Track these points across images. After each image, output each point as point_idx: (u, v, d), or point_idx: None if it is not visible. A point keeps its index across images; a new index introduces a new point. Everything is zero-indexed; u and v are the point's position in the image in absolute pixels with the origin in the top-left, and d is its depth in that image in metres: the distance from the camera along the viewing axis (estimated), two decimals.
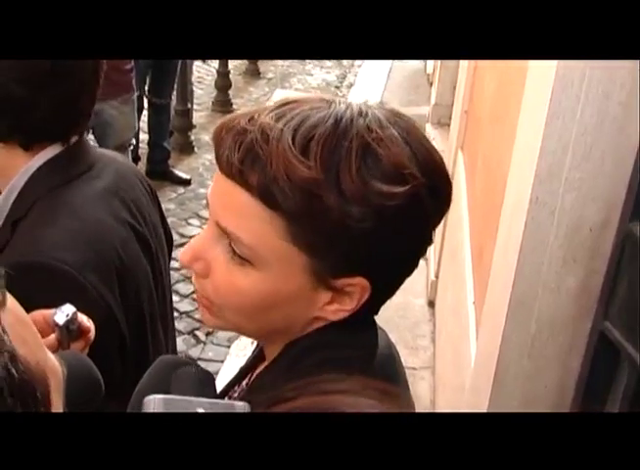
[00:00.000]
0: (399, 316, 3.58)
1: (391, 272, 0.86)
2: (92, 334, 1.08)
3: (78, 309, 1.07)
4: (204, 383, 0.81)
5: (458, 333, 2.69)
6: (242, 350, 3.43)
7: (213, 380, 0.83)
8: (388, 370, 0.93)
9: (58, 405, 0.51)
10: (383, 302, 0.92)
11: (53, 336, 1.04)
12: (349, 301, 0.85)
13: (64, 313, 1.04)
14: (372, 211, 0.78)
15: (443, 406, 2.86)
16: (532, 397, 1.68)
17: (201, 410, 0.55)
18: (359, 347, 0.90)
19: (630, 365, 1.47)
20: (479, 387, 1.90)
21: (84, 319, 1.07)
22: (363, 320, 0.92)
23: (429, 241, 0.88)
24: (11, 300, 0.48)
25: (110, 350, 1.21)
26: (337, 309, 0.86)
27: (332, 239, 0.79)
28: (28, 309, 1.11)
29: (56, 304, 1.06)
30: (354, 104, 0.84)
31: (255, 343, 1.07)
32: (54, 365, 0.52)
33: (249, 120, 0.80)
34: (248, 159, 0.78)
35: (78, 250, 1.18)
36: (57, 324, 1.03)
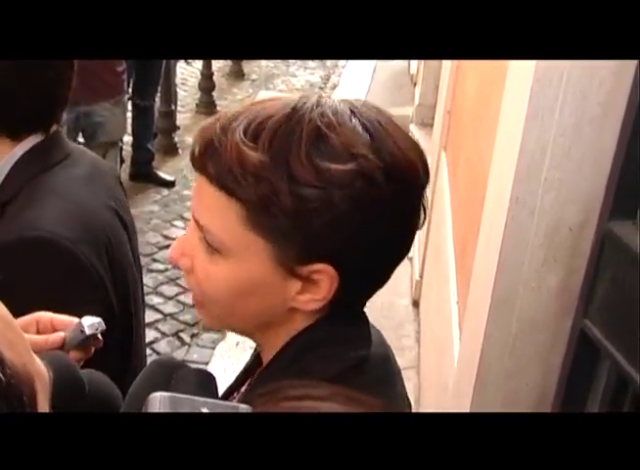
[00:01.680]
0: (384, 317, 3.58)
1: (360, 259, 0.85)
2: (92, 350, 1.09)
3: (72, 280, 1.12)
4: (205, 383, 0.81)
5: (442, 332, 2.70)
6: (226, 351, 3.42)
7: (215, 380, 0.83)
8: (382, 369, 0.93)
9: (44, 408, 0.51)
10: (364, 292, 0.92)
11: (61, 335, 1.04)
12: (319, 290, 0.85)
13: (94, 326, 1.04)
14: (323, 191, 0.79)
15: (428, 405, 2.86)
16: (514, 395, 1.69)
17: (205, 409, 0.56)
18: (353, 345, 0.90)
19: (610, 363, 1.48)
20: (462, 386, 1.91)
21: (100, 339, 1.07)
22: (354, 317, 0.93)
23: (404, 230, 0.88)
24: None
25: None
26: (309, 299, 0.87)
27: (289, 224, 0.81)
28: (28, 283, 1.15)
29: (52, 276, 1.15)
30: (315, 97, 0.85)
31: (240, 344, 1.08)
32: (40, 368, 0.52)
33: (216, 119, 0.84)
34: (207, 151, 0.82)
35: (70, 226, 1.23)
36: (82, 330, 1.03)
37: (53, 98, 1.30)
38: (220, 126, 0.82)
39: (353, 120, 0.83)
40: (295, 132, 0.80)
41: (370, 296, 0.94)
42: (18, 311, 1.13)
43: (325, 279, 0.84)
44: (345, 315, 0.91)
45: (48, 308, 1.10)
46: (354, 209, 0.81)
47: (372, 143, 0.82)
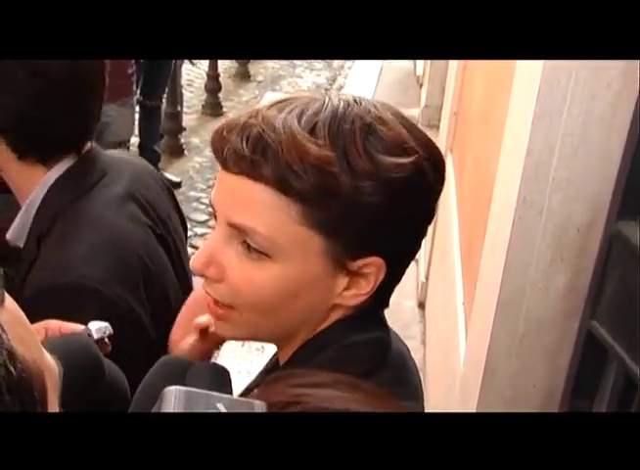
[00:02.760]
0: (390, 318, 3.56)
1: (404, 249, 0.88)
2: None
3: (109, 321, 1.07)
4: (220, 379, 0.81)
5: (448, 334, 2.70)
6: (232, 352, 3.43)
7: (229, 377, 0.83)
8: (399, 372, 0.94)
9: (54, 403, 0.52)
10: (393, 286, 0.92)
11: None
12: (366, 283, 0.86)
13: (101, 330, 1.04)
14: (381, 184, 0.80)
15: (434, 406, 2.86)
16: (521, 396, 1.69)
17: (220, 405, 0.55)
18: (371, 346, 0.91)
19: (618, 364, 1.47)
20: (468, 386, 1.90)
21: (108, 343, 1.07)
22: (375, 317, 0.94)
23: (432, 216, 0.90)
24: (9, 299, 0.49)
25: (138, 357, 1.20)
26: (354, 294, 0.87)
27: (345, 217, 0.81)
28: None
29: (87, 320, 1.08)
30: (344, 95, 0.88)
31: (246, 345, 1.08)
32: (50, 364, 0.53)
33: (250, 117, 0.82)
34: (258, 149, 0.80)
35: (104, 263, 1.19)
36: (89, 334, 1.04)
37: (88, 115, 1.26)
38: (265, 124, 0.80)
39: (389, 115, 0.86)
40: (345, 129, 0.81)
41: (392, 292, 0.94)
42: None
43: (373, 272, 0.85)
44: (365, 316, 0.91)
45: None
46: (407, 200, 0.83)
47: (410, 134, 0.85)
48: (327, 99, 0.85)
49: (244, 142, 0.80)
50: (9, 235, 1.26)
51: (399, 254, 0.88)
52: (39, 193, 1.23)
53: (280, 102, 0.85)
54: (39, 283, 1.16)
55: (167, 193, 1.47)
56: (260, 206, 0.81)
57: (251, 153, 0.80)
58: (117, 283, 1.18)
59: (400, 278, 0.92)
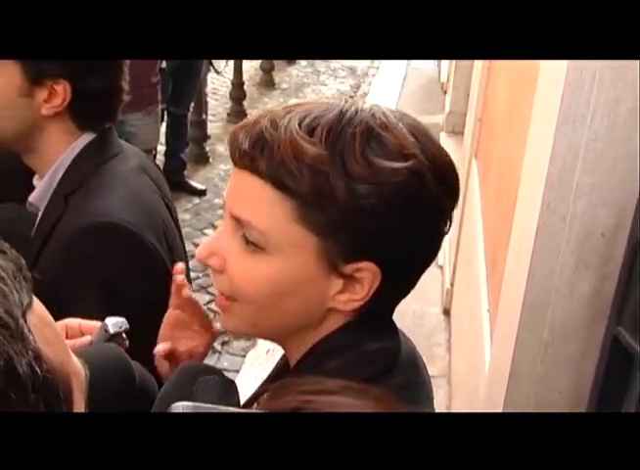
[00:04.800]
0: (415, 325, 3.57)
1: (401, 259, 0.86)
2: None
3: (142, 266, 1.26)
4: (227, 392, 0.82)
5: (473, 341, 2.68)
6: (257, 359, 3.43)
7: (237, 389, 0.83)
8: (408, 377, 0.93)
9: (80, 405, 0.53)
10: (396, 296, 0.92)
11: (88, 338, 1.06)
12: (360, 288, 0.86)
13: (117, 325, 1.06)
14: (376, 188, 0.80)
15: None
16: (546, 403, 1.68)
17: None
18: (381, 351, 0.91)
19: None
20: (493, 393, 1.89)
21: (125, 338, 1.10)
22: (384, 323, 0.93)
23: (440, 233, 0.89)
24: (37, 302, 0.50)
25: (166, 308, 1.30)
26: (348, 299, 0.87)
27: (340, 220, 0.81)
28: (100, 266, 1.24)
29: (121, 261, 1.26)
30: (360, 102, 0.88)
31: (270, 352, 1.08)
32: (77, 367, 0.54)
33: (260, 117, 0.85)
34: (257, 145, 0.82)
35: (136, 212, 1.31)
36: (105, 329, 1.05)
37: (117, 93, 1.38)
38: (269, 122, 0.83)
39: (400, 124, 0.85)
40: (347, 132, 0.82)
41: (398, 302, 0.94)
42: (90, 293, 1.23)
43: (368, 278, 0.85)
44: (373, 322, 0.91)
45: (119, 291, 1.23)
46: (405, 207, 0.82)
47: (418, 144, 0.84)
48: (340, 104, 0.85)
49: (247, 138, 0.83)
50: (31, 198, 1.38)
51: (396, 263, 0.86)
52: (67, 158, 1.35)
53: (294, 105, 0.87)
54: (79, 224, 1.27)
55: (162, 176, 1.59)
56: (258, 200, 0.83)
57: (251, 148, 0.82)
58: (147, 230, 1.31)
59: (405, 288, 0.91)
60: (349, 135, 0.81)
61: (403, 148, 0.83)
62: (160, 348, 1.11)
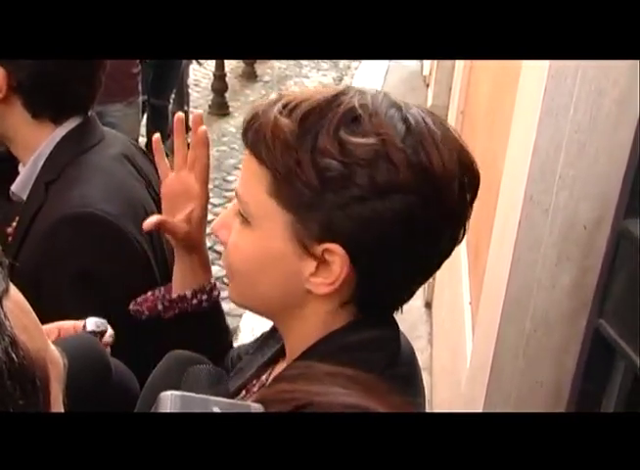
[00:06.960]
0: (397, 318, 3.57)
1: (374, 249, 0.85)
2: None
3: (120, 256, 1.27)
4: (216, 381, 0.82)
5: (454, 333, 2.69)
6: None
7: (226, 378, 0.84)
8: (412, 368, 0.95)
9: (57, 394, 0.52)
10: (388, 295, 0.92)
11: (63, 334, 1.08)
12: (331, 273, 0.86)
13: (96, 324, 1.09)
14: (343, 166, 0.81)
15: (441, 406, 2.86)
16: (528, 395, 1.68)
17: (216, 409, 0.55)
18: (381, 352, 0.91)
19: (626, 363, 1.47)
20: (474, 385, 1.90)
21: (109, 335, 1.11)
22: (384, 325, 0.94)
23: (424, 236, 0.86)
24: (14, 289, 0.49)
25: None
26: (321, 283, 0.88)
27: (309, 198, 0.83)
28: (79, 256, 1.25)
29: (100, 251, 1.27)
30: (362, 89, 0.90)
31: None
32: (55, 355, 0.53)
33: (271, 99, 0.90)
34: (250, 123, 0.88)
35: (116, 202, 1.32)
36: (84, 327, 1.08)
37: (93, 82, 1.39)
38: (267, 103, 0.88)
39: (392, 110, 0.85)
40: (331, 110, 0.84)
41: (400, 301, 0.94)
42: (67, 282, 1.25)
43: (337, 262, 0.85)
44: (375, 322, 0.92)
45: (97, 281, 1.24)
46: (372, 190, 0.81)
47: (407, 135, 0.83)
48: (337, 90, 0.88)
49: (247, 117, 0.89)
50: (14, 187, 1.39)
51: (368, 251, 0.84)
52: (47, 147, 1.36)
53: (304, 91, 0.90)
54: (57, 214, 1.27)
55: (149, 162, 1.58)
56: (248, 173, 0.89)
57: (247, 126, 0.89)
58: (128, 220, 1.32)
59: (393, 283, 0.90)
60: (331, 114, 0.83)
61: (379, 127, 0.82)
62: (147, 220, 1.20)
